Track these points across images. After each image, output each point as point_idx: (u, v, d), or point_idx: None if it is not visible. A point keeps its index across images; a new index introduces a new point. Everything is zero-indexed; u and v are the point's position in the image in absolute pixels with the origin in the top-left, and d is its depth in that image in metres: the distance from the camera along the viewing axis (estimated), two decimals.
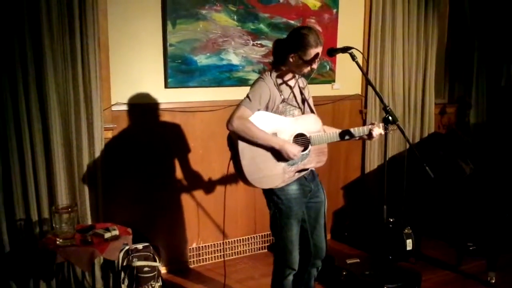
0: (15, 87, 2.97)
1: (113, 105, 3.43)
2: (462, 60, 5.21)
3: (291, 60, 2.62)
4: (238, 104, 2.59)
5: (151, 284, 3.20)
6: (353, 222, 4.62)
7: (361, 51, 4.29)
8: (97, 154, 3.28)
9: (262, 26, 3.86)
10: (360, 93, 4.56)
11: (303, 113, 2.76)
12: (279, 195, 2.67)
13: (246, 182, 2.60)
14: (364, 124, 4.48)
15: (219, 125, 3.75)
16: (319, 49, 2.58)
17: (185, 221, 3.83)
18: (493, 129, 5.19)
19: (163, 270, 3.76)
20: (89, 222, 3.27)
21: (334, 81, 4.33)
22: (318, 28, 4.01)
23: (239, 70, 3.82)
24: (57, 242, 2.77)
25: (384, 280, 2.98)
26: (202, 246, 3.93)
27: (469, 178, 3.98)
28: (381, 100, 2.64)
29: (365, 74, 2.73)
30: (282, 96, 2.66)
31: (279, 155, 2.60)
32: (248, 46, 3.83)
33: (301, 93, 2.79)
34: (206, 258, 3.96)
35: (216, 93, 3.79)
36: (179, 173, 3.75)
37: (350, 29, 4.35)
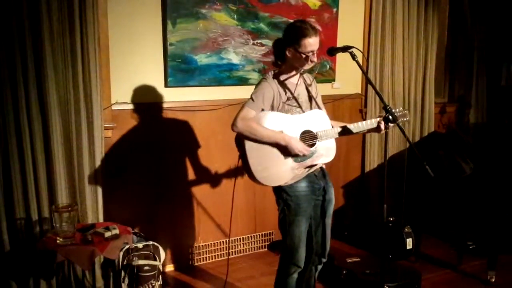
0: (15, 86, 2.97)
1: (113, 104, 3.43)
2: (462, 59, 5.21)
3: (288, 54, 2.63)
4: (242, 106, 2.62)
5: (152, 283, 3.20)
6: (353, 221, 4.63)
7: (361, 50, 4.28)
8: (97, 153, 3.28)
9: (262, 25, 3.86)
10: (360, 92, 4.56)
11: (310, 109, 2.77)
12: (288, 192, 2.69)
13: (255, 180, 2.62)
14: None
15: (219, 124, 3.77)
16: (313, 39, 2.57)
17: (185, 219, 3.83)
18: (493, 129, 5.19)
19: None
20: (89, 221, 3.28)
21: (334, 80, 4.34)
22: (318, 28, 4.01)
23: (239, 69, 3.82)
24: (57, 241, 2.77)
25: (384, 279, 2.98)
26: (202, 245, 3.93)
27: (469, 177, 3.98)
28: (381, 99, 2.64)
29: (365, 73, 2.73)
30: (286, 94, 2.67)
31: (286, 152, 2.61)
32: (248, 45, 3.83)
33: (307, 90, 2.79)
34: (206, 257, 3.96)
35: (216, 92, 3.79)
36: (179, 172, 3.75)
37: (350, 28, 4.35)
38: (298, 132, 2.66)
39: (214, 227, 3.96)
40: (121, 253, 3.17)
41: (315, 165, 2.74)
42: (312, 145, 2.68)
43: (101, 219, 3.35)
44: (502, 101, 5.21)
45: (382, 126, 2.76)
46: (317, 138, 2.69)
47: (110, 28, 3.34)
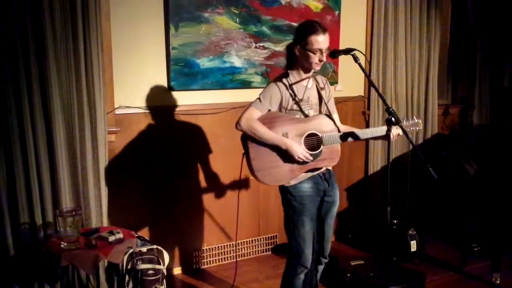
0: (19, 91, 2.97)
1: (116, 108, 3.43)
2: (464, 60, 5.20)
3: (297, 53, 2.66)
4: (248, 105, 2.66)
5: (156, 287, 3.20)
6: (357, 223, 4.61)
7: (364, 52, 4.29)
8: (101, 157, 3.29)
9: (264, 28, 3.86)
10: (363, 94, 4.56)
11: (320, 113, 2.78)
12: (292, 192, 2.72)
13: (257, 178, 2.68)
14: (367, 125, 4.48)
15: (222, 127, 3.77)
16: (321, 37, 2.59)
17: (189, 223, 3.83)
18: (496, 130, 5.18)
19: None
20: (93, 225, 3.28)
21: (337, 82, 4.33)
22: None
23: (242, 72, 3.83)
24: (62, 246, 2.77)
25: (388, 281, 2.97)
26: (207, 249, 3.93)
27: (472, 179, 3.97)
28: (384, 102, 2.63)
29: (367, 76, 2.72)
30: (296, 96, 2.68)
31: (286, 155, 2.64)
32: (250, 48, 3.83)
33: (319, 94, 2.80)
34: (211, 261, 3.96)
35: (219, 96, 3.80)
36: (182, 176, 3.75)
37: (352, 30, 4.35)
38: (303, 134, 2.67)
39: (218, 230, 3.96)
40: (125, 257, 3.16)
41: (319, 168, 2.75)
42: (315, 149, 2.68)
43: (105, 223, 3.35)
44: (505, 102, 5.20)
45: (391, 134, 2.61)
46: (321, 142, 2.70)
47: (113, 32, 3.35)
